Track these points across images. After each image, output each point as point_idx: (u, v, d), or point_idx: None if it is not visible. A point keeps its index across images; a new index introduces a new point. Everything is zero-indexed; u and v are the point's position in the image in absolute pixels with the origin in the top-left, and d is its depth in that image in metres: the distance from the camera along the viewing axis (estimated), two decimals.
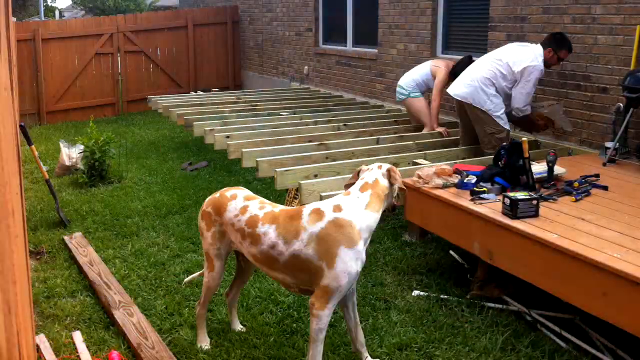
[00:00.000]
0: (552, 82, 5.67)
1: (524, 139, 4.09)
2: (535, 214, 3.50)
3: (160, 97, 8.77)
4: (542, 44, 5.14)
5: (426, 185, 4.10)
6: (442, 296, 3.89)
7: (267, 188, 6.31)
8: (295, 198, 5.28)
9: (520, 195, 3.53)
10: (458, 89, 5.29)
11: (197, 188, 6.43)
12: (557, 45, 5.12)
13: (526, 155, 3.97)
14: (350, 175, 3.12)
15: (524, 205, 3.46)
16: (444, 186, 4.08)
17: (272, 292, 3.98)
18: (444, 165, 4.32)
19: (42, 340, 3.36)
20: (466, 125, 5.51)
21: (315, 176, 4.77)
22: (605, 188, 4.07)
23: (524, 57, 5.05)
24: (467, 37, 6.93)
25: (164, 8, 22.68)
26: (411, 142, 5.81)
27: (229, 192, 3.23)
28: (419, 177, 4.16)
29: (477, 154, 5.40)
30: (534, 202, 3.50)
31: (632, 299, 2.78)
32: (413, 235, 4.88)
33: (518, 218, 3.45)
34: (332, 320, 3.63)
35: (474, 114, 5.21)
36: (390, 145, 5.74)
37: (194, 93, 10.00)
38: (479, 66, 5.27)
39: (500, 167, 4.12)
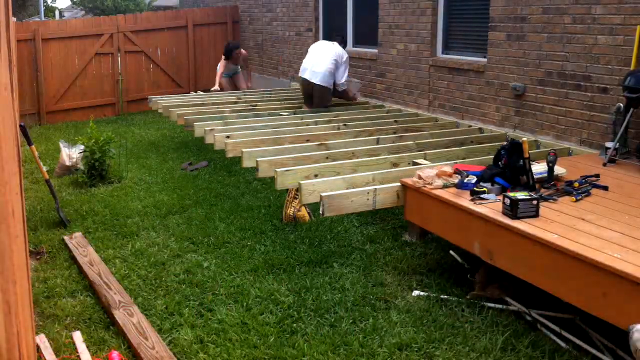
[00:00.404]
0: (553, 82, 5.67)
1: (524, 139, 4.09)
2: (536, 214, 3.50)
3: (161, 97, 8.76)
4: (336, 40, 7.62)
5: (427, 186, 4.10)
6: (442, 296, 3.89)
7: (267, 188, 6.31)
8: (295, 198, 5.28)
9: (520, 195, 3.53)
10: (317, 79, 7.33)
11: (197, 188, 6.43)
12: (345, 42, 8.00)
13: (526, 155, 3.97)
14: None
15: (524, 205, 3.46)
16: (444, 186, 4.08)
17: (272, 292, 3.98)
18: (445, 167, 4.32)
19: (42, 340, 3.36)
20: (308, 99, 7.67)
21: (316, 176, 4.77)
22: (605, 188, 4.07)
23: (341, 51, 7.41)
24: (467, 37, 6.92)
25: (164, 8, 22.68)
26: (411, 142, 5.81)
27: None
28: (420, 177, 4.16)
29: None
30: (534, 202, 3.50)
31: (632, 299, 2.78)
32: (413, 235, 4.88)
33: (518, 218, 3.45)
34: (332, 320, 3.63)
35: (321, 92, 7.43)
36: (390, 145, 5.74)
37: (194, 93, 10.00)
38: (321, 61, 7.35)
39: (501, 167, 4.12)
